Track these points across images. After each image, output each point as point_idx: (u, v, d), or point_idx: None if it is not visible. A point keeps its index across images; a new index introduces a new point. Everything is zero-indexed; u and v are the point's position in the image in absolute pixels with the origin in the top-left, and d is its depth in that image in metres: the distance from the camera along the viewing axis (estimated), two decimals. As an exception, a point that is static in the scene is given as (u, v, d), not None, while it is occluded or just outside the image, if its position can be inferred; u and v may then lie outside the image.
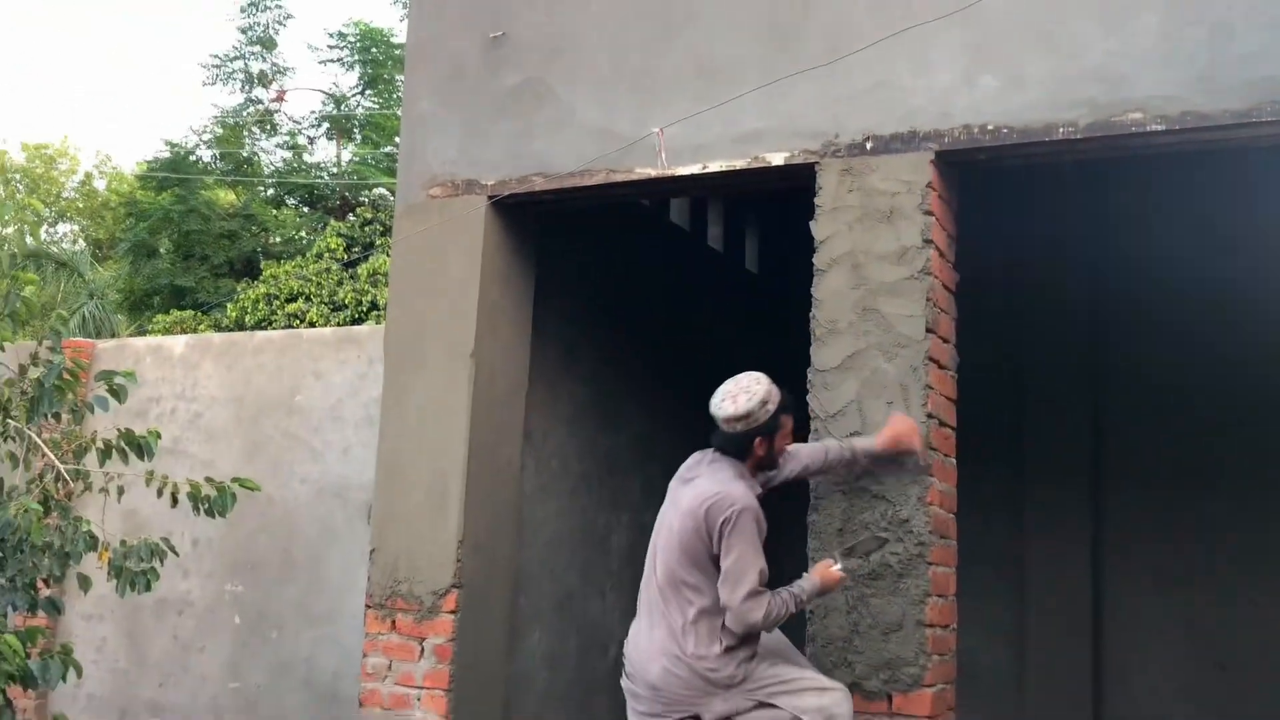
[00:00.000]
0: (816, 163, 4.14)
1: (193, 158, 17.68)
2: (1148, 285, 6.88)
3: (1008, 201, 6.78)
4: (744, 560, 3.38)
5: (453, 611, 4.38)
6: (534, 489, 5.20)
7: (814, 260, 4.08)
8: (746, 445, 3.56)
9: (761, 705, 3.44)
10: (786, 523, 4.21)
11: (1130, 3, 3.78)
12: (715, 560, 3.44)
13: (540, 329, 5.15)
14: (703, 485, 3.54)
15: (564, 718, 5.34)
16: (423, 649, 4.41)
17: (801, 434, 4.00)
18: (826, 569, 3.61)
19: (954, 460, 4.06)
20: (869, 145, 4.07)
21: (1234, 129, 3.65)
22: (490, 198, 4.69)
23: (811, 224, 4.11)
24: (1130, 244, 6.95)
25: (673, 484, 3.73)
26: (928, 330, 3.88)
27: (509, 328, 4.83)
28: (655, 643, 3.47)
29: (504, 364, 4.79)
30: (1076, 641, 6.61)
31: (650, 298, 6.32)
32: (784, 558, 4.18)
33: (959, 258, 4.22)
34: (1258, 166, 6.40)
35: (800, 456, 3.77)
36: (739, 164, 4.27)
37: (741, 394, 3.54)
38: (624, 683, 3.61)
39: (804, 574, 3.62)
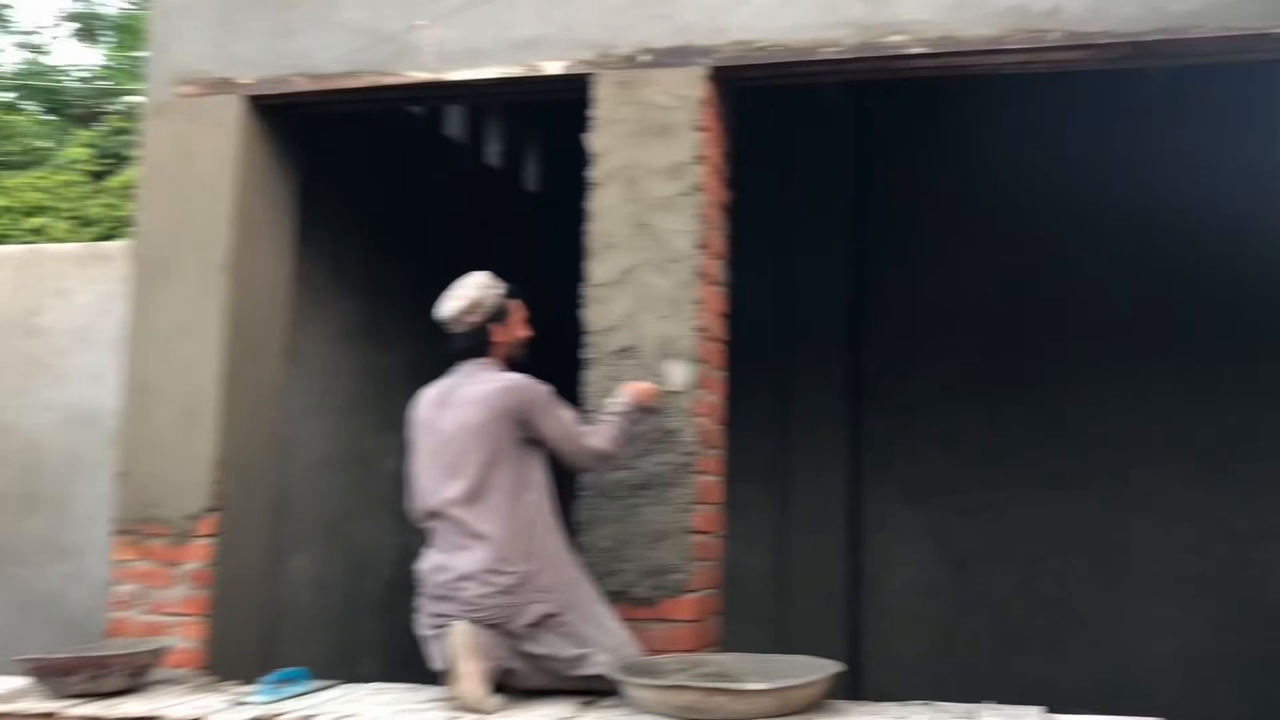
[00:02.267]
0: (593, 74, 4.08)
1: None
2: (910, 211, 7.21)
3: (780, 122, 6.93)
4: (562, 418, 3.53)
5: (209, 535, 4.17)
6: (300, 409, 4.98)
7: (590, 174, 4.04)
8: (485, 336, 3.64)
9: (565, 629, 3.38)
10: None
11: (895, -73, 3.87)
12: (528, 442, 3.50)
13: (307, 243, 4.89)
14: (477, 389, 3.54)
15: (331, 641, 5.21)
16: (177, 575, 4.18)
17: (578, 349, 3.99)
18: (635, 384, 3.73)
19: (724, 373, 4.15)
20: (644, 58, 4.04)
21: (986, 55, 3.83)
22: (247, 98, 4.40)
23: (588, 137, 4.07)
24: (893, 170, 7.26)
25: (425, 411, 3.62)
26: (699, 246, 3.92)
27: (269, 239, 4.56)
28: (472, 564, 3.35)
29: (264, 278, 4.53)
30: (835, 551, 7.01)
31: (425, 215, 6.12)
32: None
33: (735, 177, 4.27)
34: (1009, 92, 6.75)
35: None
36: (514, 71, 4.16)
37: (460, 290, 3.68)
38: (428, 605, 3.47)
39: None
